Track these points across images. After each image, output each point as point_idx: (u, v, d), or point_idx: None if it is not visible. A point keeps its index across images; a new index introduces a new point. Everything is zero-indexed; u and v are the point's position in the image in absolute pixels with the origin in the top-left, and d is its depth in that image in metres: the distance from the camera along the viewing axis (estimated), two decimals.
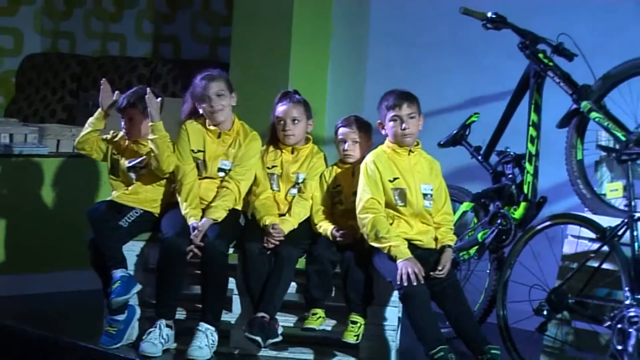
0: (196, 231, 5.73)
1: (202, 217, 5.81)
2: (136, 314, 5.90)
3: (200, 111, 5.99)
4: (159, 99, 6.02)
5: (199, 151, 5.97)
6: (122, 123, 6.08)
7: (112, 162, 6.15)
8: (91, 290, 6.23)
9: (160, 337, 5.69)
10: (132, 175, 6.07)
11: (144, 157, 6.03)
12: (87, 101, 9.02)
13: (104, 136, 6.16)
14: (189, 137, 5.99)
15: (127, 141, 6.12)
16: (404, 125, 5.71)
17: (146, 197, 6.05)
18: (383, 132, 5.82)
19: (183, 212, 5.85)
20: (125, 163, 6.08)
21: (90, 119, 6.11)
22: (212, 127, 5.98)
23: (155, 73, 9.49)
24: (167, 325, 5.73)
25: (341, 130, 6.03)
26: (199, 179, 5.97)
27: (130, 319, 5.89)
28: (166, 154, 5.86)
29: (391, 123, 5.74)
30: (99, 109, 6.09)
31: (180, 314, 5.93)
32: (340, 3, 8.11)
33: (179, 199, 5.92)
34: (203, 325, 5.72)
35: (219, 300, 5.80)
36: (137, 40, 10.39)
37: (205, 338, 5.70)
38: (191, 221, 5.78)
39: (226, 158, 5.97)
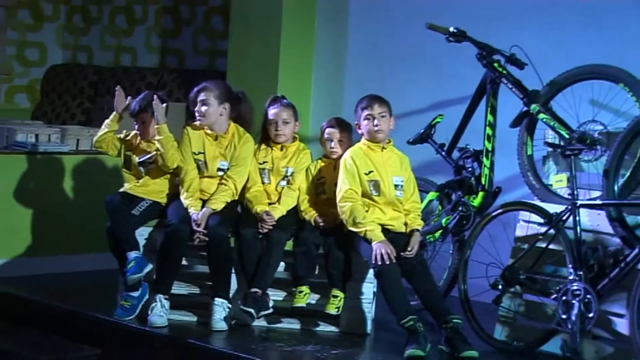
0: (199, 219, 5.75)
1: (202, 208, 5.83)
2: (148, 291, 5.90)
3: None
4: (165, 104, 6.04)
5: (200, 153, 5.98)
6: (136, 125, 6.10)
7: (125, 158, 6.15)
8: (108, 270, 6.24)
9: (162, 309, 5.72)
10: (142, 169, 6.08)
11: (153, 153, 6.03)
12: (102, 105, 9.01)
13: (119, 135, 6.19)
14: (190, 140, 6.00)
15: (138, 139, 6.14)
16: (375, 122, 5.74)
17: (154, 189, 6.07)
18: (359, 131, 5.84)
19: (185, 203, 5.87)
20: (136, 159, 6.10)
21: (106, 121, 6.13)
22: (209, 131, 5.98)
23: (162, 81, 9.47)
24: (165, 299, 5.75)
25: (327, 130, 6.04)
26: (201, 177, 5.98)
27: (143, 296, 5.90)
28: (170, 152, 5.88)
29: (365, 121, 5.76)
30: (114, 113, 6.11)
31: (187, 289, 5.99)
32: (322, 21, 8.08)
33: (182, 192, 5.94)
34: (218, 300, 5.75)
35: (227, 277, 5.83)
36: (146, 52, 10.35)
37: (223, 311, 5.74)
38: (191, 211, 5.80)
39: (224, 159, 5.97)
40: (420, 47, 7.13)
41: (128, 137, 6.20)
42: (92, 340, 6.00)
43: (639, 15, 6.44)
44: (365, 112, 5.77)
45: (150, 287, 5.91)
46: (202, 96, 5.92)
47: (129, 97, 6.18)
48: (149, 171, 6.07)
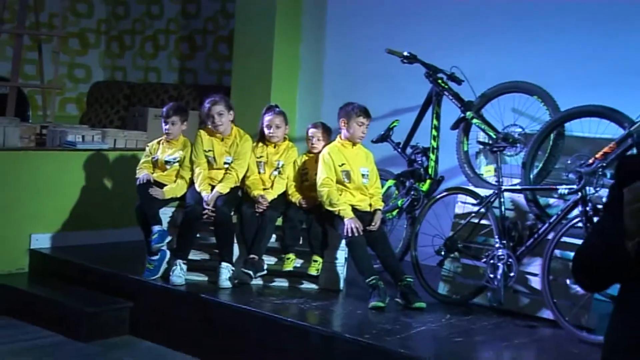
0: (208, 200, 5.76)
1: (211, 191, 5.84)
2: (166, 256, 5.89)
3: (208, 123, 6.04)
4: (186, 113, 6.12)
5: (210, 150, 5.97)
6: (165, 126, 6.06)
7: (153, 161, 6.13)
8: (137, 240, 6.23)
9: (181, 271, 5.73)
10: (168, 166, 6.09)
11: (177, 156, 6.05)
12: (134, 113, 8.99)
13: (148, 157, 6.20)
14: (202, 141, 5.99)
15: (162, 144, 6.13)
16: (363, 130, 5.79)
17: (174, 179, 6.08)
18: (343, 127, 5.83)
19: (198, 189, 5.87)
20: (164, 157, 6.08)
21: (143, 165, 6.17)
22: (217, 134, 5.99)
23: (181, 94, 9.44)
24: (184, 264, 5.77)
25: (311, 131, 6.04)
26: (211, 169, 5.97)
27: (163, 259, 5.89)
28: (175, 191, 5.97)
29: (357, 126, 5.76)
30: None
31: (199, 256, 5.99)
32: (305, 47, 8.06)
33: (196, 181, 5.93)
34: (223, 264, 5.75)
35: (230, 246, 5.81)
36: (168, 71, 10.34)
37: (227, 272, 5.74)
38: (203, 194, 5.80)
39: (228, 155, 5.97)
40: (381, 67, 7.12)
41: (153, 148, 6.18)
42: (126, 295, 6.04)
43: (551, 43, 6.47)
44: (361, 120, 5.77)
45: (170, 254, 5.91)
46: (217, 109, 5.91)
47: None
48: (172, 169, 6.07)
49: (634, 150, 4.94)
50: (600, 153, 5.00)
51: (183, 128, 6.12)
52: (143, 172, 6.03)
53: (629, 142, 4.89)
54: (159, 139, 6.20)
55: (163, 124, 6.10)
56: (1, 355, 5.47)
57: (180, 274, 5.71)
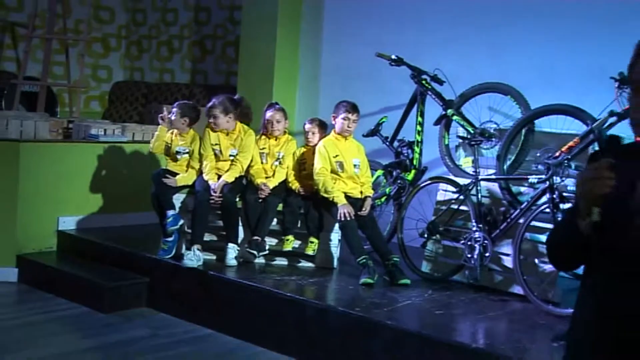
0: (215, 188, 5.74)
1: (218, 180, 5.81)
2: (179, 237, 5.89)
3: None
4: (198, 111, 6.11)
5: (216, 144, 5.93)
6: (179, 120, 6.01)
7: (166, 148, 6.11)
8: (152, 223, 6.23)
9: (194, 256, 5.66)
10: (178, 156, 6.07)
11: (187, 148, 6.02)
12: (150, 110, 8.99)
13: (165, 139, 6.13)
14: (210, 136, 5.95)
15: (174, 133, 6.09)
16: (348, 124, 5.74)
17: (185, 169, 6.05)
18: (334, 122, 5.82)
19: (206, 178, 5.83)
20: (175, 148, 6.04)
21: (157, 133, 6.11)
22: (223, 130, 5.94)
23: (192, 93, 9.44)
24: (198, 249, 5.71)
25: (308, 126, 6.02)
26: (218, 161, 5.93)
27: (175, 240, 5.88)
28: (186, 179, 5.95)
29: (342, 120, 5.74)
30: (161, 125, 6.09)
31: (208, 237, 5.96)
32: (304, 49, 8.04)
33: (204, 171, 5.90)
34: (230, 245, 5.74)
35: (235, 229, 5.80)
36: (181, 72, 10.33)
37: (233, 252, 5.73)
38: (211, 183, 5.78)
39: (233, 148, 5.93)
40: (372, 69, 7.11)
41: (167, 136, 6.14)
42: (143, 271, 6.03)
43: (524, 49, 6.47)
44: (346, 114, 5.74)
45: (182, 236, 5.89)
46: (212, 112, 5.89)
47: (165, 107, 6.19)
48: (183, 159, 6.04)
49: (596, 145, 4.95)
50: (566, 147, 5.03)
51: (191, 123, 6.07)
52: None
53: (591, 137, 4.90)
54: (172, 130, 6.17)
55: (175, 117, 6.05)
56: (34, 324, 5.48)
57: (193, 258, 5.65)
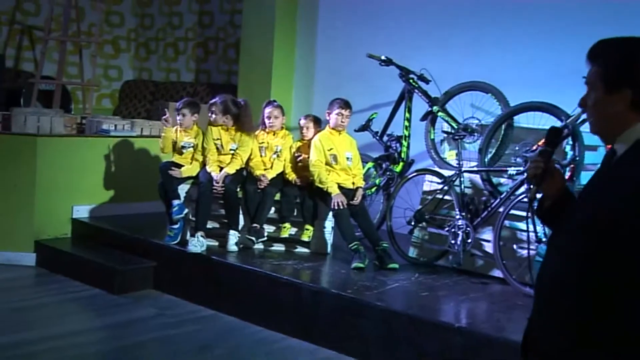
0: (218, 179, 5.73)
1: (219, 172, 5.79)
2: (183, 224, 5.87)
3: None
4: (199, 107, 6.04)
5: (218, 139, 5.90)
6: (177, 117, 6.02)
7: (173, 142, 6.06)
8: (159, 212, 6.22)
9: (198, 242, 5.64)
10: (184, 150, 6.04)
11: (192, 142, 5.99)
12: (157, 107, 8.95)
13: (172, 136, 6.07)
14: (212, 132, 5.92)
15: (179, 129, 6.08)
16: (342, 119, 5.72)
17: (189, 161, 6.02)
18: (328, 118, 5.80)
19: (209, 170, 5.82)
20: (181, 142, 6.01)
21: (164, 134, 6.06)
22: (224, 126, 5.92)
23: (196, 91, 9.41)
24: (202, 236, 5.69)
25: (303, 122, 6.01)
26: (219, 155, 5.90)
27: (180, 228, 5.86)
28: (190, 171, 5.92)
29: (336, 116, 5.72)
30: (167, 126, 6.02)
31: (211, 224, 5.94)
32: (299, 51, 8.02)
33: (207, 164, 5.88)
34: (231, 232, 5.74)
35: (236, 217, 5.79)
36: (186, 72, 10.30)
37: (234, 238, 5.72)
38: (213, 174, 5.77)
39: (233, 142, 5.90)
40: (363, 68, 7.06)
41: (173, 132, 6.11)
42: (150, 256, 6.01)
43: (504, 50, 6.46)
44: (339, 110, 5.72)
45: (187, 223, 5.87)
46: (212, 109, 5.89)
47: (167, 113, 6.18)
48: (188, 152, 6.01)
49: (570, 139, 4.94)
50: (542, 141, 4.98)
51: (193, 119, 6.04)
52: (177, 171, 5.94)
53: (565, 132, 4.88)
54: (176, 126, 6.13)
55: (176, 116, 6.04)
56: (50, 304, 5.48)
57: (196, 244, 5.63)
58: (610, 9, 5.79)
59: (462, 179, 5.42)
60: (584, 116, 4.88)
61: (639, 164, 1.95)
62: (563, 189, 2.29)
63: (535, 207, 2.37)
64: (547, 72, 6.10)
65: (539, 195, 2.32)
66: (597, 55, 2.08)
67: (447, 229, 5.37)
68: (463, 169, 5.44)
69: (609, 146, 2.13)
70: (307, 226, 5.79)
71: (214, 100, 5.92)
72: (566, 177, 4.81)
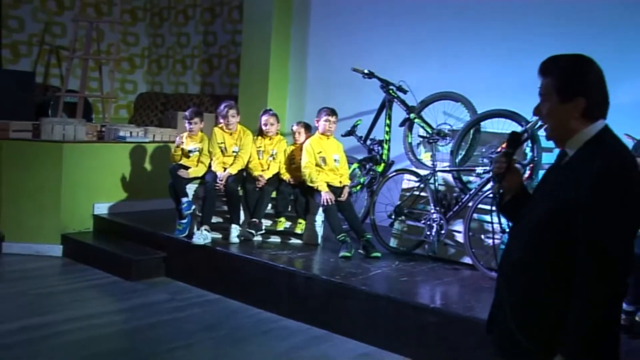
0: (221, 178, 5.71)
1: (224, 172, 5.77)
2: (191, 219, 5.84)
3: (221, 121, 5.95)
4: (202, 115, 6.01)
5: (222, 143, 5.88)
6: (188, 125, 5.95)
7: (182, 149, 6.01)
8: (169, 208, 6.19)
9: (204, 235, 5.62)
10: (190, 154, 6.00)
11: (197, 147, 5.96)
12: (168, 116, 8.92)
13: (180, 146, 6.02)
14: (216, 136, 5.90)
15: (186, 136, 6.03)
16: (329, 125, 5.72)
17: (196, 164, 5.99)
18: (317, 124, 5.78)
19: (214, 169, 5.80)
20: (188, 148, 5.97)
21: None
22: (227, 130, 5.90)
23: (202, 102, 9.37)
24: (207, 229, 5.67)
25: (295, 128, 6.00)
26: (223, 157, 5.88)
27: (188, 222, 5.84)
28: (198, 169, 5.86)
29: (324, 122, 5.71)
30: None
31: (215, 219, 5.92)
32: (292, 64, 7.99)
33: (212, 165, 5.86)
34: (233, 225, 5.72)
35: (237, 212, 5.77)
36: (193, 85, 10.24)
37: (236, 231, 5.70)
38: (218, 173, 5.74)
39: (236, 146, 5.88)
40: (349, 80, 7.04)
41: (182, 140, 6.06)
42: (161, 248, 5.99)
43: (472, 64, 6.45)
44: (327, 117, 5.71)
45: (194, 218, 5.84)
46: (232, 112, 5.83)
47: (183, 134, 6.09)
48: (194, 156, 5.97)
49: (529, 142, 4.94)
50: (505, 144, 4.97)
51: (201, 126, 6.02)
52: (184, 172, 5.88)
53: (525, 136, 4.88)
54: (184, 133, 6.09)
55: (187, 124, 5.99)
56: (74, 290, 5.45)
57: (201, 237, 5.59)
58: (564, 31, 5.79)
59: (436, 178, 5.41)
60: (540, 122, 4.88)
61: (587, 162, 1.95)
62: (521, 186, 2.30)
63: (497, 201, 2.37)
64: (510, 84, 6.09)
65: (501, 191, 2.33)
66: (548, 69, 2.08)
67: (423, 221, 5.36)
68: (437, 168, 5.43)
69: (561, 148, 2.13)
70: (300, 220, 5.77)
71: (228, 103, 5.86)
72: (526, 175, 4.81)
